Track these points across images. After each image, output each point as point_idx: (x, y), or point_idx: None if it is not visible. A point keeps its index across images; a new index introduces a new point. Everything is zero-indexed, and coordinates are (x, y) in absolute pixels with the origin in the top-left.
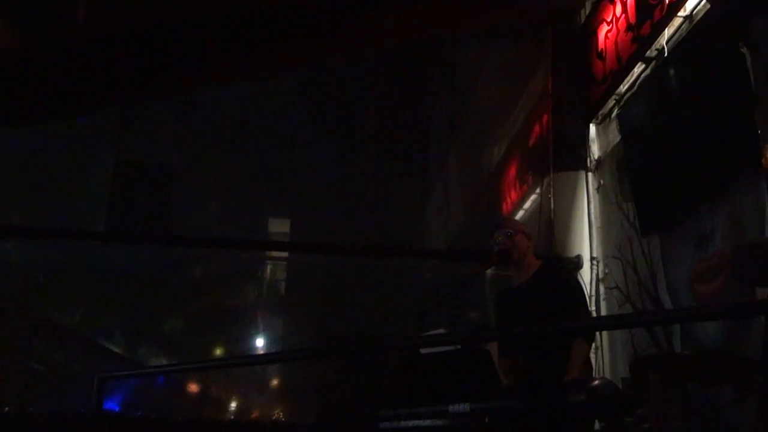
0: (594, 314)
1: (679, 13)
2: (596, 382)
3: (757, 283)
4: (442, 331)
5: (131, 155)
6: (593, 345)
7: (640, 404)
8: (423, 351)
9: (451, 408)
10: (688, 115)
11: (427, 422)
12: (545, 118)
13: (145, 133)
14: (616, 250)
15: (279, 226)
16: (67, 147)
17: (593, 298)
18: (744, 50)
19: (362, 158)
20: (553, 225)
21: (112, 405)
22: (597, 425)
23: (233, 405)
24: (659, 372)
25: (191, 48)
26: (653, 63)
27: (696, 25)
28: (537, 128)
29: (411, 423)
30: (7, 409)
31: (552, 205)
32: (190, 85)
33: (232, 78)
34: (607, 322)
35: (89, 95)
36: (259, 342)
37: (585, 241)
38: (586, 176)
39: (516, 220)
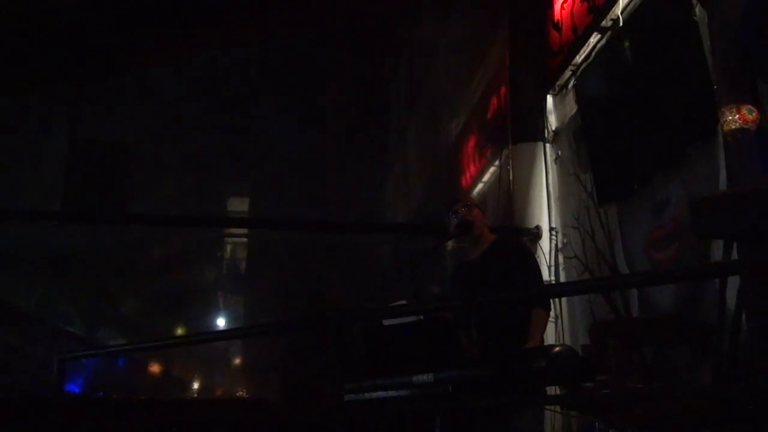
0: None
1: None
2: (557, 349)
3: (713, 235)
4: (404, 302)
5: (87, 133)
6: (553, 314)
7: (600, 370)
8: (386, 323)
9: (414, 378)
10: (643, 84)
11: (392, 393)
12: (503, 90)
13: (102, 112)
14: (574, 219)
15: (238, 205)
16: (20, 126)
17: (552, 268)
18: (697, 18)
19: (322, 134)
20: (512, 196)
21: (73, 387)
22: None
23: (196, 385)
24: (618, 336)
25: (141, 22)
26: (608, 33)
27: None
28: (495, 101)
29: (375, 394)
30: None
31: (511, 177)
32: (142, 61)
33: (183, 51)
34: (564, 289)
35: (39, 71)
36: (221, 322)
37: (544, 211)
38: (544, 147)
39: (472, 197)
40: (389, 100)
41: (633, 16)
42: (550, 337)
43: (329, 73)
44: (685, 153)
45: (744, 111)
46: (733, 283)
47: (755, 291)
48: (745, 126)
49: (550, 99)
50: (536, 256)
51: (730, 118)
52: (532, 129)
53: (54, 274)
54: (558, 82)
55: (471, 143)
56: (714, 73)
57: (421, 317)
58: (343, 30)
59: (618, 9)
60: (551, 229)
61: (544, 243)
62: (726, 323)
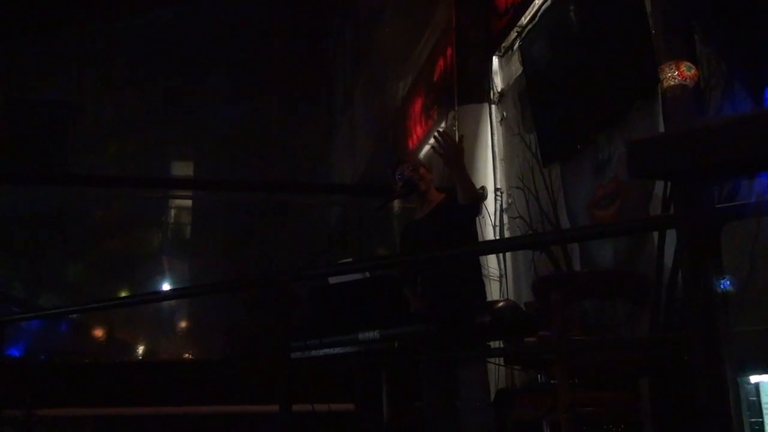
0: None
1: None
2: (500, 304)
3: (648, 175)
4: (349, 260)
5: (23, 92)
6: (497, 273)
7: (542, 324)
8: (331, 280)
9: (361, 335)
10: (586, 44)
11: (338, 350)
12: (449, 51)
13: (38, 70)
14: (519, 180)
15: (182, 169)
16: None
17: (497, 228)
18: None
19: (267, 96)
20: None
21: (13, 352)
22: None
23: (141, 349)
24: (559, 290)
25: None
26: None
27: None
28: (441, 62)
29: (322, 352)
30: None
31: (457, 138)
32: (77, 18)
33: (120, 9)
34: (505, 244)
35: None
36: (166, 287)
37: (489, 172)
38: (490, 109)
39: (417, 156)
40: (335, 60)
41: None
42: (494, 294)
43: (273, 32)
44: (627, 112)
45: (683, 68)
46: (671, 238)
47: (687, 243)
48: (684, 83)
49: (495, 60)
50: (482, 215)
51: (669, 74)
52: (478, 90)
53: None
54: (504, 44)
55: (417, 105)
56: (654, 31)
57: (367, 274)
58: None
59: None
60: (496, 189)
61: (489, 203)
62: (663, 277)
